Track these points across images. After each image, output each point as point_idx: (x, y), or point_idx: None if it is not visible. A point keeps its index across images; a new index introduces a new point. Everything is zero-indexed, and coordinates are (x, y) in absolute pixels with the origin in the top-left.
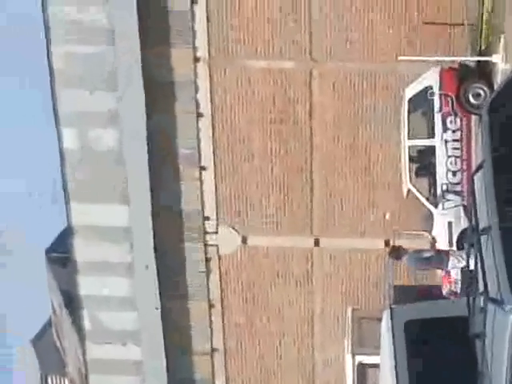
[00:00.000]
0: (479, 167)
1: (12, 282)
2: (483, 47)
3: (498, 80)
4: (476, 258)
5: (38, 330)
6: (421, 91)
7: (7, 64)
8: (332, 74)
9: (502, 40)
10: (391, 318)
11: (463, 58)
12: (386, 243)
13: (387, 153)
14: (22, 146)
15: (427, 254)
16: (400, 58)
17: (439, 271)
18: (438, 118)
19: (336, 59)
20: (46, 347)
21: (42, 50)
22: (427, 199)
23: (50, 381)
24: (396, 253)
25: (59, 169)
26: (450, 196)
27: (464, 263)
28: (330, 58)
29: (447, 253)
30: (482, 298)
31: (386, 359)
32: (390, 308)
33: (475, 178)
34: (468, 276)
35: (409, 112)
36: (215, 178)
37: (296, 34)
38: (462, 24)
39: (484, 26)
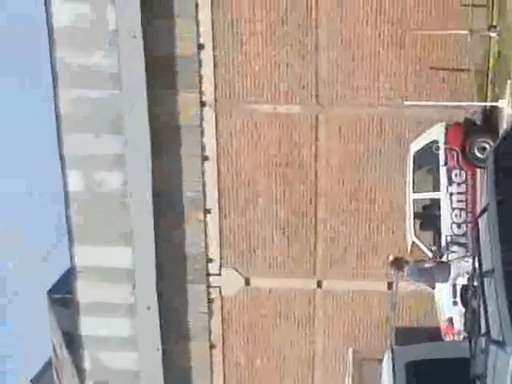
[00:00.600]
0: (484, 210)
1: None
2: (489, 93)
3: (504, 125)
4: (479, 300)
5: (38, 369)
6: (426, 145)
7: (7, 64)
8: (338, 118)
9: (509, 85)
10: (392, 359)
11: (469, 104)
12: (389, 285)
13: (392, 197)
14: (22, 146)
15: (428, 265)
16: (406, 102)
17: (442, 324)
18: (443, 171)
19: (342, 104)
20: None
21: (42, 50)
22: (431, 252)
23: None
24: (398, 263)
25: (64, 210)
26: (454, 248)
27: (466, 267)
28: (337, 102)
29: (448, 263)
30: (483, 340)
31: None
32: (391, 348)
33: (479, 220)
34: (470, 318)
35: (414, 166)
36: (219, 220)
37: (302, 78)
38: (469, 69)
39: (490, 72)
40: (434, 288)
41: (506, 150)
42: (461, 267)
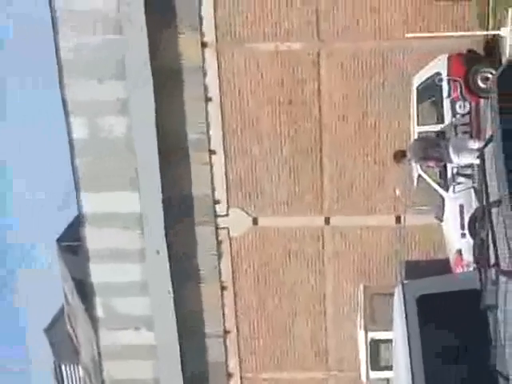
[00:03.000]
0: (489, 141)
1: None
2: (491, 23)
3: (507, 54)
4: (487, 231)
5: (51, 318)
6: (429, 78)
7: (8, 64)
8: (340, 53)
9: (510, 13)
10: (403, 294)
11: (470, 33)
12: (397, 219)
13: (396, 130)
14: (22, 146)
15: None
16: (407, 35)
17: (451, 256)
18: (446, 103)
19: (343, 39)
20: (59, 336)
21: (42, 50)
22: (438, 184)
23: (63, 369)
24: (400, 155)
25: (69, 158)
26: (460, 179)
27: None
28: (338, 37)
29: (447, 139)
30: (493, 271)
31: (398, 334)
32: (402, 283)
33: (485, 151)
34: (480, 249)
35: (417, 99)
36: (225, 161)
37: (303, 14)
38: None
39: (491, 0)
40: (441, 218)
41: (509, 77)
42: (467, 199)
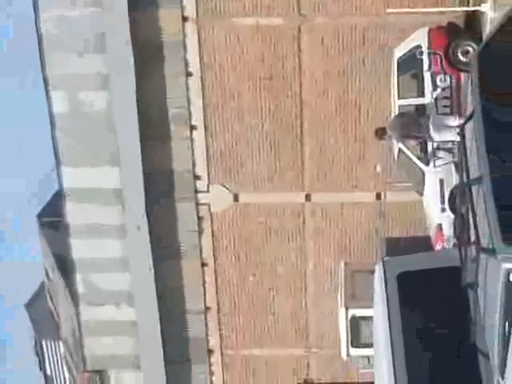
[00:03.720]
0: (469, 117)
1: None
2: None
3: (487, 29)
4: (467, 208)
5: (31, 294)
6: (409, 51)
7: (7, 64)
8: (320, 28)
9: None
10: (384, 270)
11: (451, 9)
12: (378, 196)
13: (377, 106)
14: (22, 145)
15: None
16: (388, 10)
17: (431, 231)
18: (427, 76)
19: (324, 14)
20: (40, 312)
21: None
22: (418, 158)
23: (44, 345)
24: (381, 132)
25: (49, 133)
26: (440, 154)
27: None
28: (319, 12)
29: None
30: (474, 248)
31: (379, 311)
32: (383, 260)
33: (465, 128)
34: (460, 226)
35: (398, 72)
36: (205, 136)
37: None
38: None
39: None
40: (421, 192)
41: (490, 53)
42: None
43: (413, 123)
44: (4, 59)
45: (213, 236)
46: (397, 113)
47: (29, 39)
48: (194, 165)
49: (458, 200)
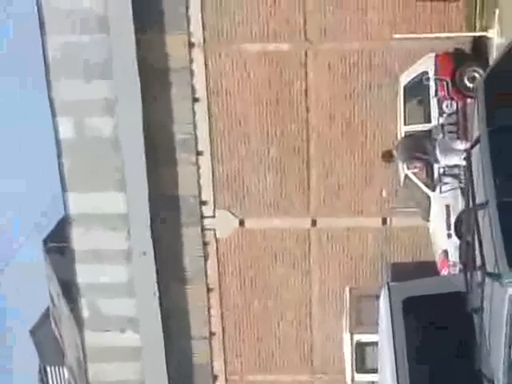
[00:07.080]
0: (476, 142)
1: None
2: (478, 24)
3: (494, 55)
4: (473, 233)
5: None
6: (416, 77)
7: (7, 64)
8: (327, 54)
9: (497, 14)
10: (389, 296)
11: (458, 34)
12: (384, 221)
13: (384, 130)
14: (22, 146)
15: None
16: (395, 35)
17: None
18: (433, 102)
19: (331, 39)
20: (45, 338)
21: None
22: (424, 184)
23: (48, 371)
24: (387, 155)
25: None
26: (446, 179)
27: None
28: (325, 38)
29: (433, 137)
30: (479, 273)
31: (384, 337)
32: (388, 285)
33: (472, 153)
34: (466, 251)
35: (405, 98)
36: (212, 162)
37: (290, 15)
38: (457, 0)
39: (478, 1)
40: (427, 218)
41: (497, 79)
42: (454, 199)
43: (420, 145)
44: (4, 59)
45: (218, 261)
46: (406, 172)
47: (29, 39)
48: (199, 190)
49: (463, 225)
